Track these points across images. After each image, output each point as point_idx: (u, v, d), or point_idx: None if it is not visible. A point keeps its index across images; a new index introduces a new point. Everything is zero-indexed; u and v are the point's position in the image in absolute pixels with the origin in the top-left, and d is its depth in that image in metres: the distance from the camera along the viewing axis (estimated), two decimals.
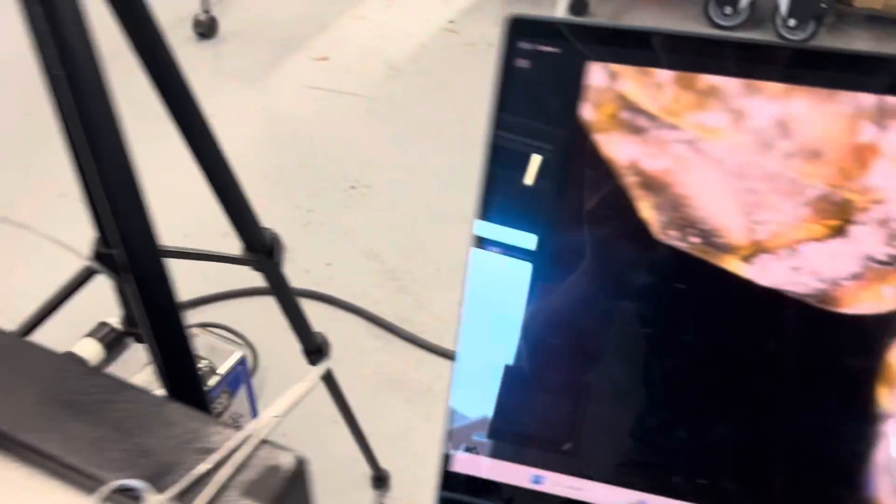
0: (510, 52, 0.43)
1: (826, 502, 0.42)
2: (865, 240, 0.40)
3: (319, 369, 0.48)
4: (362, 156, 2.07)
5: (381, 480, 1.27)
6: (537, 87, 0.43)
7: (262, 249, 0.81)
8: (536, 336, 0.44)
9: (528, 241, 0.44)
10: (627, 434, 0.44)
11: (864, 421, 0.41)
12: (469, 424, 0.46)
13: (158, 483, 0.40)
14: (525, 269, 0.44)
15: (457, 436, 0.46)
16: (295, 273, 1.89)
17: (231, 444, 0.42)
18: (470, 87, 2.15)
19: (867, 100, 0.39)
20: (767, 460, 0.43)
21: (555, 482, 0.45)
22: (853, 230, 0.40)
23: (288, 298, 0.88)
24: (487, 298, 0.45)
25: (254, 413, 1.31)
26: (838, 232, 0.41)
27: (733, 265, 0.42)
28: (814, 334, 0.41)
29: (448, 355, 1.49)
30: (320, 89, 2.29)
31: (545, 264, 0.44)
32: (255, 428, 0.43)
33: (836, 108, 0.40)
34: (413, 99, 2.25)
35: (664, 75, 0.41)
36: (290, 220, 1.88)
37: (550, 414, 0.45)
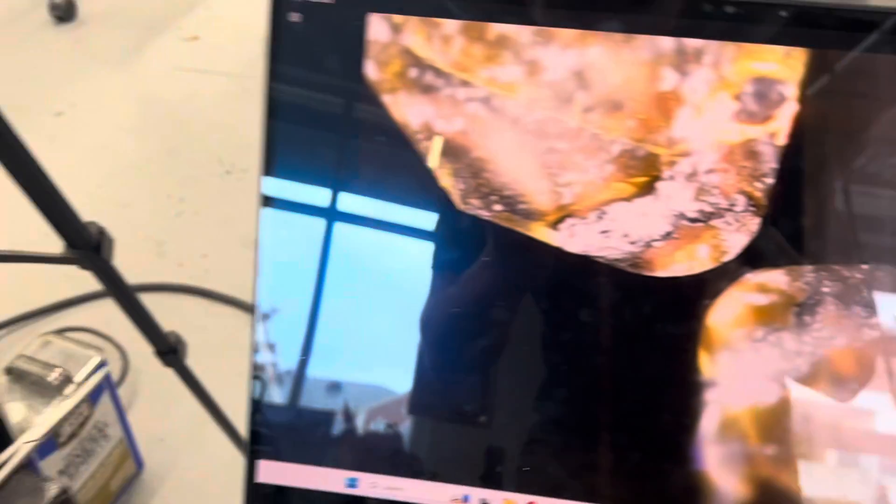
0: (279, 5, 0.38)
1: (655, 480, 0.39)
2: (674, 196, 0.37)
3: (83, 390, 0.42)
4: (238, 139, 1.97)
5: None
6: (315, 46, 0.38)
7: (86, 246, 0.73)
8: (335, 322, 0.40)
9: (320, 211, 0.39)
10: (444, 425, 0.40)
11: (688, 390, 0.39)
12: (275, 428, 0.41)
13: None
14: (320, 244, 0.40)
15: (262, 442, 0.41)
16: (167, 267, 1.79)
17: None
18: None
19: (665, 43, 0.36)
20: (592, 440, 0.39)
21: (371, 484, 0.41)
22: (661, 186, 0.37)
23: (126, 297, 0.81)
24: (284, 276, 0.40)
25: (122, 421, 1.23)
26: (646, 189, 0.37)
27: (541, 232, 0.38)
28: (629, 301, 0.38)
29: None
30: (191, 70, 2.17)
31: (343, 245, 0.39)
32: (7, 457, 0.37)
33: (633, 54, 0.36)
34: None
35: (451, 26, 0.37)
36: (161, 211, 1.78)
37: (361, 409, 0.41)
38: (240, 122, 2.03)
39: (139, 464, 1.24)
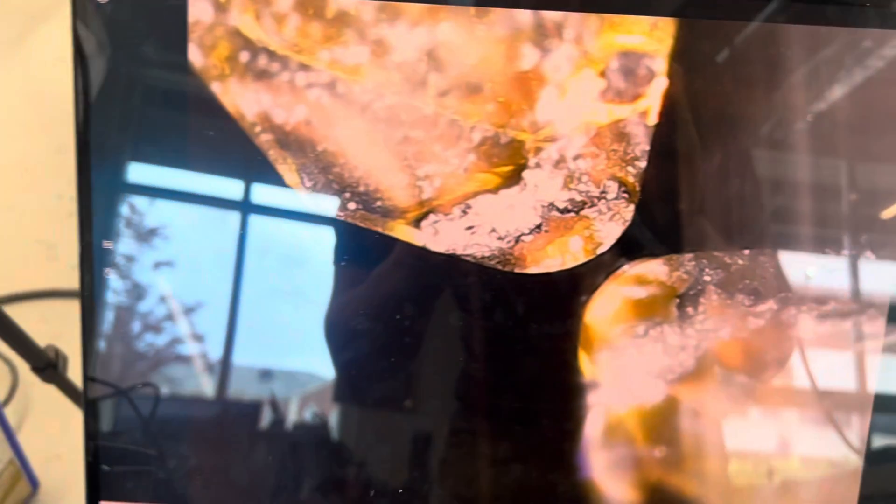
0: None
1: (539, 492, 0.36)
2: (542, 185, 0.34)
3: None
4: (67, 115, 1.87)
5: None
6: (128, 32, 0.33)
7: None
8: (172, 346, 0.35)
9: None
10: (303, 447, 0.36)
11: (569, 393, 0.36)
12: (114, 464, 0.37)
13: None
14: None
15: (99, 482, 0.37)
16: (60, 272, 1.69)
17: None
18: None
19: (523, 17, 0.33)
20: (471, 455, 0.36)
21: None
22: (528, 176, 0.34)
23: None
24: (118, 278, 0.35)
25: (11, 440, 1.15)
26: (512, 180, 0.34)
27: (401, 231, 0.35)
28: (501, 302, 0.35)
29: None
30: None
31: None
32: None
33: (488, 30, 0.33)
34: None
35: (284, 2, 0.33)
36: (51, 212, 1.67)
37: (209, 438, 0.36)
38: (69, 100, 1.93)
39: (34, 483, 1.16)
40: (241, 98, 0.33)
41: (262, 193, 0.34)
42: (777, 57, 0.33)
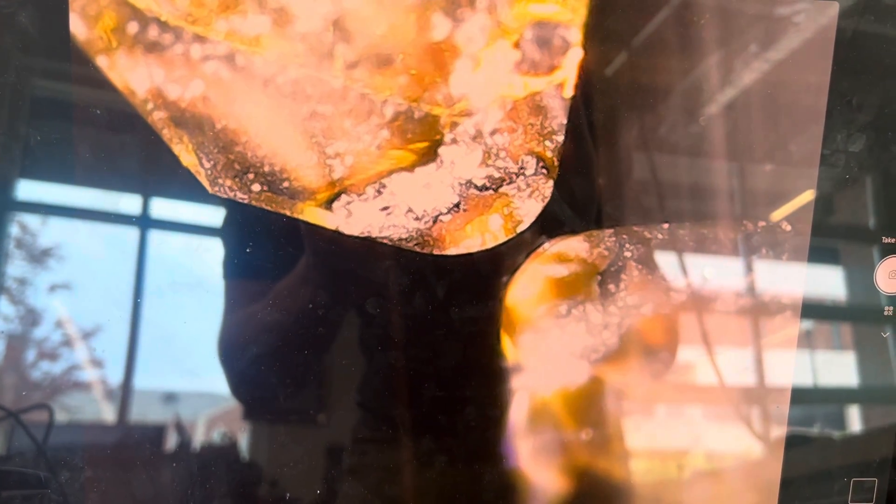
0: None
1: (465, 483, 0.35)
2: (459, 162, 0.33)
3: None
4: None
5: None
6: None
7: None
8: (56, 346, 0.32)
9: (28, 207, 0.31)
10: (217, 451, 0.34)
11: (492, 378, 0.34)
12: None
13: None
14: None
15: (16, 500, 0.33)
16: None
17: None
18: None
19: None
20: (392, 449, 0.34)
21: None
22: (444, 152, 0.32)
23: None
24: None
25: None
26: (427, 156, 0.32)
27: (312, 214, 0.32)
28: (420, 285, 0.33)
29: None
30: None
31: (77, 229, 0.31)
32: None
33: None
34: None
35: None
36: None
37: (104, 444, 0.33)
38: None
39: None
40: (130, 73, 0.31)
41: (162, 207, 0.32)
42: (691, 28, 0.33)
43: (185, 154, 0.31)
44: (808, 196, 0.34)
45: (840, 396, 0.37)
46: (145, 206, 0.32)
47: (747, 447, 0.36)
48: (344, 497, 0.34)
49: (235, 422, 0.33)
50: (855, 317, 0.37)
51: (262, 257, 0.33)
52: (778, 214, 0.34)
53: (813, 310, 0.36)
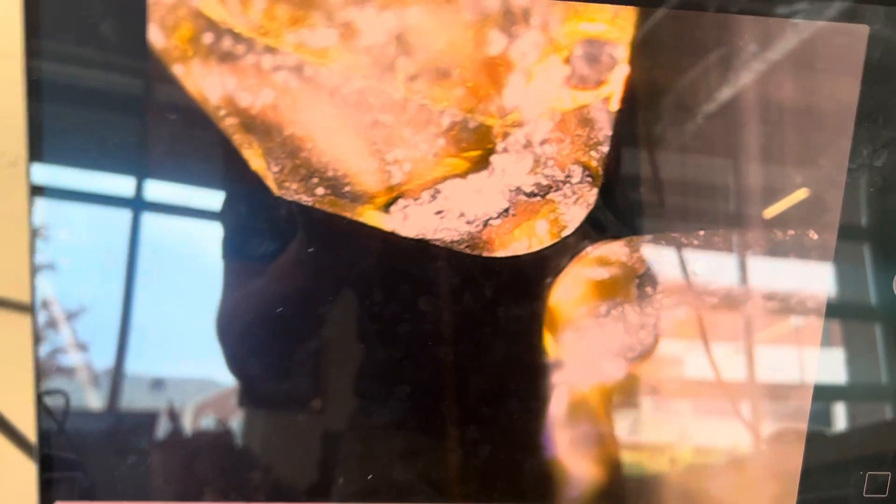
0: None
1: (506, 472, 0.37)
2: (509, 170, 0.35)
3: None
4: (20, 126, 1.77)
5: None
6: (83, 11, 0.32)
7: None
8: (130, 332, 0.34)
9: (109, 200, 0.33)
10: (272, 437, 0.36)
11: (535, 374, 0.37)
12: (67, 461, 0.35)
13: None
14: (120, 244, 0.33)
15: (54, 480, 0.35)
16: None
17: None
18: None
19: (490, 3, 0.33)
20: (440, 438, 0.36)
21: None
22: (495, 160, 0.34)
23: None
24: (73, 273, 0.34)
25: None
26: (480, 164, 0.34)
27: (370, 217, 0.34)
28: (470, 285, 0.35)
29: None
30: None
31: (126, 236, 0.33)
32: None
33: (457, 15, 0.33)
34: None
35: None
36: None
37: (174, 429, 0.35)
38: (20, 109, 1.83)
39: None
40: (204, 81, 0.32)
41: (155, 190, 0.33)
42: (730, 48, 0.35)
43: (255, 158, 0.33)
44: (837, 207, 0.36)
45: (856, 393, 0.39)
46: (139, 188, 0.34)
47: (771, 441, 0.38)
48: (394, 481, 0.36)
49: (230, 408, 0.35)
50: (874, 317, 0.39)
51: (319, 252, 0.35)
52: (808, 222, 0.36)
53: (833, 310, 0.38)
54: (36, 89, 0.32)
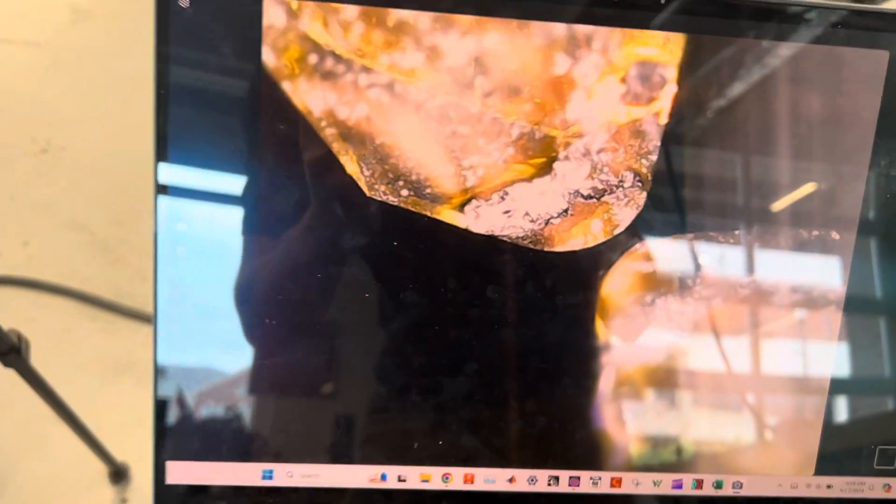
0: None
1: (559, 441, 0.42)
2: (570, 175, 0.39)
3: None
4: (51, 114, 1.82)
5: (118, 475, 1.15)
6: (207, 33, 0.37)
7: None
8: (248, 306, 0.39)
9: (223, 199, 0.38)
10: (359, 406, 0.41)
11: (587, 355, 0.42)
12: (182, 423, 0.40)
13: None
14: (233, 234, 0.38)
15: (171, 440, 0.40)
16: None
17: None
18: None
19: (558, 30, 0.38)
20: (502, 409, 0.41)
21: (286, 473, 0.41)
22: (558, 167, 0.39)
23: None
24: (189, 264, 0.39)
25: None
26: (544, 170, 0.39)
27: (447, 215, 0.39)
28: (532, 276, 0.40)
29: None
30: None
31: (253, 226, 0.38)
32: None
33: (528, 40, 0.38)
34: (105, 46, 2.01)
35: (350, 11, 0.37)
36: None
37: (269, 398, 0.40)
38: (52, 97, 1.87)
39: None
40: (309, 95, 0.37)
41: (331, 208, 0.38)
42: (765, 69, 0.39)
43: (350, 163, 0.38)
44: (856, 210, 0.41)
45: (871, 382, 0.44)
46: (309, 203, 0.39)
47: (793, 418, 0.43)
48: (461, 446, 0.41)
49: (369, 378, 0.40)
50: (887, 310, 0.44)
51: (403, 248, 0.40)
52: (829, 223, 0.41)
53: (851, 304, 0.43)
54: (164, 101, 0.37)
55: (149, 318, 1.44)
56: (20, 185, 1.70)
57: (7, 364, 0.88)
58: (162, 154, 0.37)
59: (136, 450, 1.23)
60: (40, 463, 1.19)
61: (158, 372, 0.39)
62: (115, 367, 1.38)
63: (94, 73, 1.97)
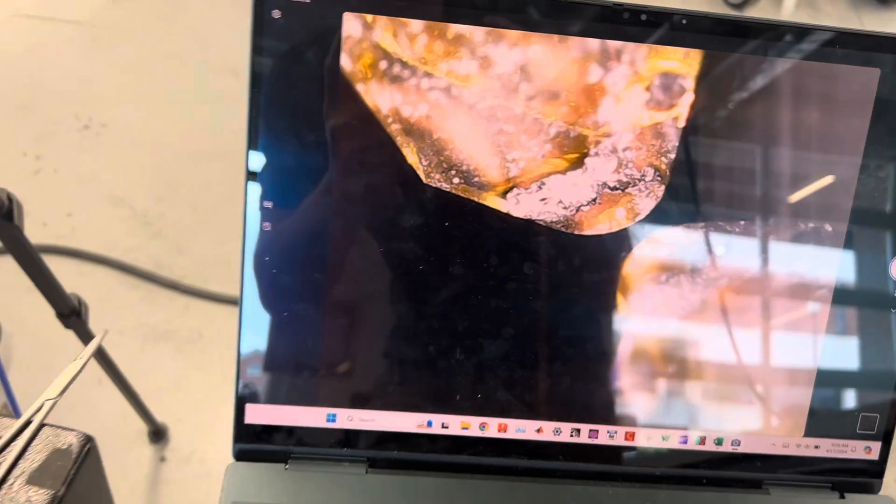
0: (260, 3, 0.42)
1: (582, 398, 0.49)
2: (599, 169, 0.46)
3: (93, 345, 0.46)
4: (92, 91, 1.89)
5: (158, 434, 1.24)
6: (295, 40, 0.43)
7: None
8: (316, 278, 0.46)
9: (305, 185, 0.45)
10: (411, 363, 0.48)
11: (609, 325, 0.48)
12: (260, 373, 0.47)
13: None
14: (305, 209, 0.45)
15: (248, 386, 0.47)
16: (32, 227, 1.73)
17: (8, 434, 0.39)
18: (208, 8, 2.03)
19: (593, 44, 0.44)
20: (533, 369, 0.48)
21: (347, 417, 0.48)
22: (588, 161, 0.46)
23: (33, 262, 0.81)
24: (269, 239, 0.46)
25: (6, 388, 1.20)
26: (576, 164, 0.46)
27: (492, 201, 0.46)
28: (563, 256, 0.47)
29: (216, 298, 1.46)
30: (34, 17, 2.05)
31: (324, 206, 0.45)
32: (32, 414, 0.41)
33: (567, 52, 0.44)
34: (143, 24, 2.08)
35: (416, 25, 0.43)
36: (17, 170, 1.70)
37: (335, 352, 0.47)
38: (94, 75, 1.95)
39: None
40: (378, 96, 0.44)
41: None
42: (771, 81, 0.45)
43: (410, 154, 0.45)
44: (848, 204, 0.47)
45: (857, 357, 0.50)
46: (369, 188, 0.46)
47: (787, 387, 0.49)
48: (497, 399, 0.48)
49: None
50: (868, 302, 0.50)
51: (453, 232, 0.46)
52: (824, 217, 0.47)
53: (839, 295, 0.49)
54: (256, 96, 0.43)
55: (186, 289, 1.52)
56: (64, 160, 1.78)
57: (68, 326, 0.96)
58: (253, 143, 0.44)
59: (174, 412, 1.31)
60: (84, 423, 1.28)
61: (242, 328, 0.46)
62: (155, 334, 1.46)
63: (134, 52, 2.05)
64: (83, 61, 1.97)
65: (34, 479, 0.38)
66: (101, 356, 1.06)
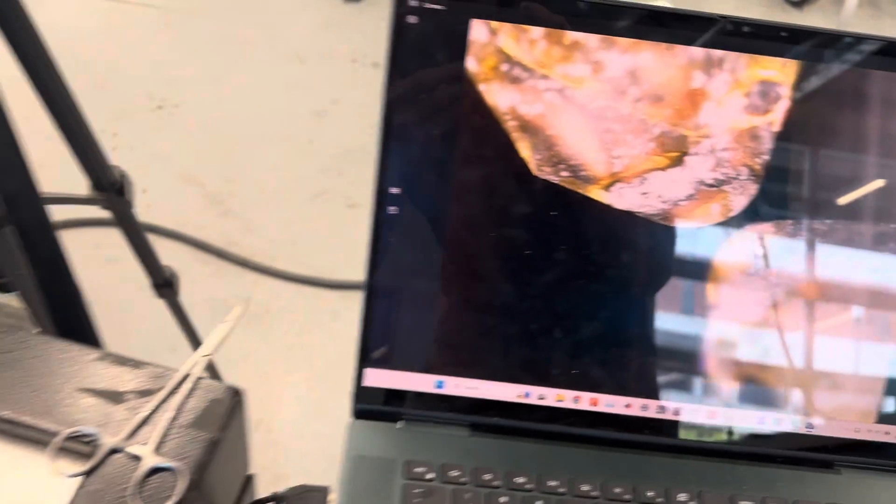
0: (400, 8, 0.47)
1: (669, 379, 0.53)
2: (697, 167, 0.50)
3: (238, 310, 0.51)
4: (166, 73, 1.97)
5: None
6: (428, 43, 0.48)
7: (111, 188, 0.79)
8: (434, 258, 0.51)
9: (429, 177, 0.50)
10: (513, 338, 0.52)
11: (701, 312, 0.52)
12: (378, 342, 0.52)
13: (108, 427, 0.43)
14: (427, 195, 0.50)
15: (367, 353, 0.52)
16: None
17: (171, 384, 0.45)
18: None
19: (697, 53, 0.48)
20: (625, 350, 0.53)
21: (454, 385, 0.53)
22: (688, 160, 0.50)
23: (138, 234, 0.87)
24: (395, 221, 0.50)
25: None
26: (677, 162, 0.50)
27: (596, 193, 0.50)
28: (660, 245, 0.51)
29: (283, 276, 1.52)
30: (111, 1, 2.13)
31: (445, 193, 0.50)
32: (190, 367, 0.46)
33: (673, 59, 0.48)
34: (215, 8, 2.15)
35: (536, 32, 0.48)
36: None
37: (447, 326, 0.52)
38: (165, 56, 2.02)
39: None
40: (498, 96, 0.48)
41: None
42: (861, 89, 0.49)
43: (524, 149, 0.49)
44: None
45: None
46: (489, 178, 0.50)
47: (861, 375, 0.53)
48: (590, 375, 0.53)
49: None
50: None
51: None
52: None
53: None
54: (390, 91, 0.48)
55: (255, 266, 1.59)
56: (139, 138, 1.86)
57: (162, 295, 1.03)
58: (386, 132, 0.49)
59: (241, 382, 1.38)
60: None
61: (366, 301, 0.51)
62: (225, 308, 1.52)
63: (206, 36, 2.11)
64: (156, 43, 2.04)
65: (196, 424, 0.44)
66: (187, 326, 1.12)
